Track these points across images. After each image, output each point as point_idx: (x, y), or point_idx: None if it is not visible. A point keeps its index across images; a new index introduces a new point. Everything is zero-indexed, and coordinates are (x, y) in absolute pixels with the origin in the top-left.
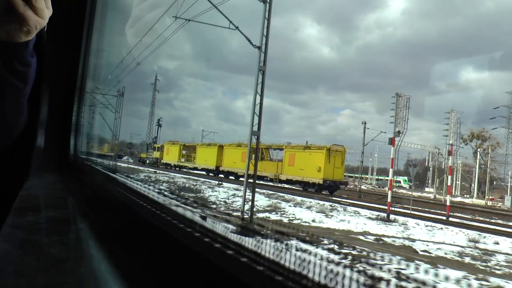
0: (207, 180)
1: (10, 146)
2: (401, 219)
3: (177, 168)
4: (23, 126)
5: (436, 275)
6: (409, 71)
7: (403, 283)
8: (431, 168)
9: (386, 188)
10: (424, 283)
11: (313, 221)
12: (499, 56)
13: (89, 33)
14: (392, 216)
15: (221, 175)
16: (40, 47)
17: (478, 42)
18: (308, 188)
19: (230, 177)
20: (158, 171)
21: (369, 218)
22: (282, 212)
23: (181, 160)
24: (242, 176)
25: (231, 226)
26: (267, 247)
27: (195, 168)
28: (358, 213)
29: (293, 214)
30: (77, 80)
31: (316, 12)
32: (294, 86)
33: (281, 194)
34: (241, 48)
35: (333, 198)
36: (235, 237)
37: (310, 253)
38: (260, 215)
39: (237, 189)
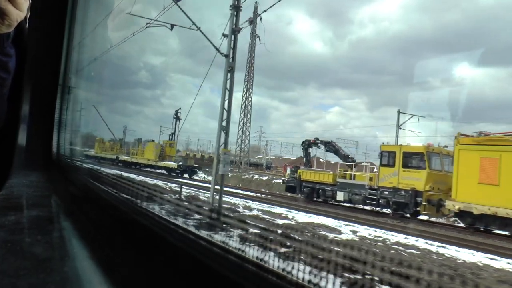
0: None
1: None
2: None
3: None
4: (3, 120)
5: None
6: (401, 67)
7: None
8: None
9: None
10: None
11: None
12: (496, 52)
13: (71, 28)
14: None
15: None
16: (21, 39)
17: (475, 37)
18: None
19: None
20: None
21: None
22: None
23: None
24: None
25: None
26: None
27: None
28: None
29: None
30: (59, 75)
31: (309, 5)
32: (284, 83)
33: None
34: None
35: None
36: None
37: None
38: None
39: None
